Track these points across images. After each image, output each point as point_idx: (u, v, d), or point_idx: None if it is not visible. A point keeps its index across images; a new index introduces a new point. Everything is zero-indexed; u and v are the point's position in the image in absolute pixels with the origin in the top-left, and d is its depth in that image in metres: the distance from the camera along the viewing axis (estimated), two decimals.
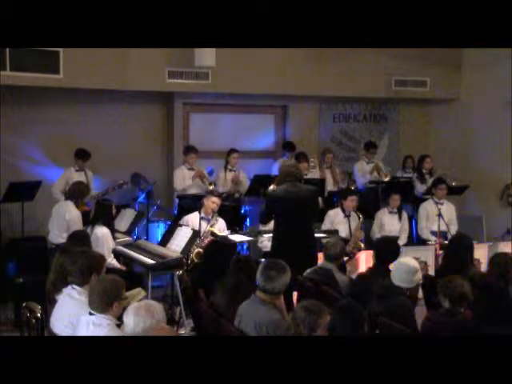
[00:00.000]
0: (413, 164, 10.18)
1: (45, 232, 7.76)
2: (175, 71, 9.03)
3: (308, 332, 3.69)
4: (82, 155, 8.40)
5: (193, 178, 8.74)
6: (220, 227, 7.44)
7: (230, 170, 9.13)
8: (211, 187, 8.53)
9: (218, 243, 7.09)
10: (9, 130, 8.62)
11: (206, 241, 7.23)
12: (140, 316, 3.65)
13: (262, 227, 7.73)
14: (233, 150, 9.14)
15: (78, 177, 8.26)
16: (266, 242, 7.61)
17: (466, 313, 4.47)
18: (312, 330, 3.70)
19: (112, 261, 6.65)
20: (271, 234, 6.85)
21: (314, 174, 9.48)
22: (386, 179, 9.66)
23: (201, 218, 7.43)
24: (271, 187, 6.40)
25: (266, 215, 6.46)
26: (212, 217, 7.46)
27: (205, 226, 7.36)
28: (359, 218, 8.11)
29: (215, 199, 7.46)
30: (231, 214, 8.03)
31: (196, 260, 7.08)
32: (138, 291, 5.07)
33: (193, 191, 8.70)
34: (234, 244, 7.44)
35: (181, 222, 7.38)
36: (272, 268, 4.45)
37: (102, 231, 6.64)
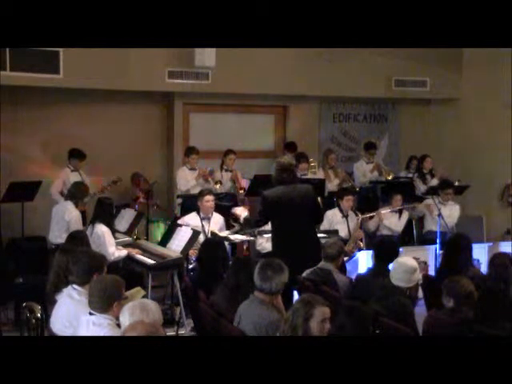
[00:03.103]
0: (417, 164, 10.19)
1: (45, 232, 7.76)
2: (175, 71, 9.03)
3: (302, 321, 3.71)
4: (78, 155, 8.41)
5: (197, 179, 8.75)
6: (216, 221, 7.52)
7: (227, 170, 9.14)
8: (217, 186, 8.55)
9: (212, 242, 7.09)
10: (9, 129, 8.63)
11: None
12: (135, 315, 3.65)
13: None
14: (230, 151, 9.15)
15: (74, 177, 8.26)
16: (264, 243, 7.61)
17: (469, 313, 4.48)
18: (306, 320, 3.72)
19: (120, 253, 6.65)
20: (270, 235, 6.83)
21: (318, 174, 9.49)
22: (389, 177, 9.66)
23: (202, 219, 7.46)
24: (266, 191, 6.35)
25: (261, 219, 6.38)
26: (211, 215, 7.50)
27: (207, 226, 7.39)
28: (357, 215, 8.13)
29: (208, 197, 7.49)
30: (228, 213, 8.03)
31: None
32: (138, 290, 5.07)
33: (195, 191, 8.70)
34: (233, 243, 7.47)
35: (180, 222, 7.38)
36: (268, 268, 4.45)
37: (101, 229, 6.65)
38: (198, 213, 7.53)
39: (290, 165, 6.38)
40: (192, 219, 7.48)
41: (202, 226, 7.39)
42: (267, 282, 4.42)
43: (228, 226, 7.76)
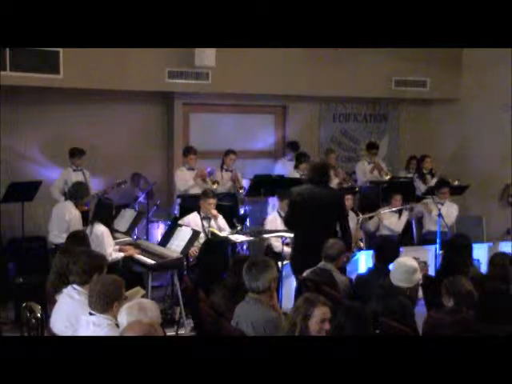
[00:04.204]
0: (416, 164, 10.19)
1: (45, 232, 7.76)
2: (175, 71, 9.03)
3: (301, 320, 3.72)
4: (76, 153, 8.43)
5: (194, 179, 8.75)
6: (221, 223, 7.55)
7: (227, 170, 9.14)
8: (215, 186, 8.55)
9: (213, 242, 7.10)
10: (9, 130, 8.62)
11: None
12: (133, 315, 3.65)
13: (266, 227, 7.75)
14: (230, 151, 9.15)
15: (76, 176, 8.28)
16: (274, 242, 7.62)
17: (469, 313, 4.48)
18: (305, 318, 3.73)
19: (116, 255, 6.65)
20: (275, 234, 6.80)
21: None
22: (387, 177, 9.67)
23: (202, 218, 7.47)
24: (294, 187, 6.24)
25: (291, 218, 6.21)
26: (213, 215, 7.53)
27: (207, 225, 7.40)
28: (357, 215, 8.12)
29: (212, 201, 7.51)
30: (228, 213, 8.04)
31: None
32: (137, 290, 5.07)
33: (194, 191, 8.71)
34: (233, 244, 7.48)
35: (180, 222, 7.39)
36: (253, 267, 4.46)
37: (100, 229, 6.65)
38: (199, 212, 7.55)
39: (323, 166, 6.24)
40: (193, 219, 7.50)
41: (203, 225, 7.41)
42: (254, 282, 4.43)
43: (231, 226, 7.76)
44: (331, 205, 6.06)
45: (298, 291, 5.77)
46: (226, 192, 8.97)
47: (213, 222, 7.51)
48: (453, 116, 10.98)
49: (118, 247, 6.80)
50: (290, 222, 6.33)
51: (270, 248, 7.78)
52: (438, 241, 7.86)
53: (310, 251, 5.83)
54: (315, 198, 6.00)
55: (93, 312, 3.99)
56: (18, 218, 8.02)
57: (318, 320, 3.75)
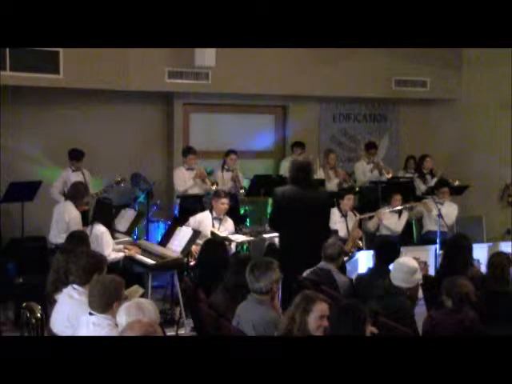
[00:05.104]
0: (415, 164, 10.19)
1: (45, 232, 7.76)
2: (175, 71, 9.04)
3: (300, 314, 3.73)
4: (75, 156, 8.43)
5: (194, 179, 8.75)
6: (228, 227, 7.56)
7: (228, 170, 9.14)
8: (214, 187, 8.55)
9: (213, 242, 7.10)
10: (9, 130, 8.63)
11: None
12: (131, 315, 3.65)
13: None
14: (231, 151, 9.15)
15: (76, 177, 8.28)
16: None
17: (469, 313, 4.48)
18: (304, 313, 3.74)
19: (115, 255, 6.64)
20: (275, 234, 6.79)
21: (318, 174, 9.47)
22: (389, 176, 9.66)
23: (213, 219, 7.48)
24: (277, 188, 6.24)
25: (275, 219, 6.20)
26: (223, 217, 7.53)
27: (218, 226, 7.41)
28: (355, 215, 8.14)
29: (225, 200, 7.52)
30: (230, 213, 8.05)
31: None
32: (135, 288, 5.07)
33: (193, 191, 8.72)
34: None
35: (191, 220, 7.40)
36: (256, 268, 4.46)
37: (100, 229, 6.65)
38: (211, 212, 7.56)
39: (307, 164, 6.22)
40: (204, 218, 7.51)
41: (213, 225, 7.43)
42: (256, 283, 4.43)
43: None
44: (314, 206, 6.03)
45: (295, 292, 5.76)
46: (226, 192, 8.97)
47: (223, 228, 7.49)
48: (453, 116, 10.98)
49: (121, 247, 6.81)
50: (273, 223, 6.34)
51: (272, 246, 7.77)
52: (437, 241, 7.86)
53: (294, 253, 5.81)
54: (297, 199, 5.98)
55: (93, 312, 3.99)
56: (18, 218, 8.03)
57: (317, 316, 3.76)
